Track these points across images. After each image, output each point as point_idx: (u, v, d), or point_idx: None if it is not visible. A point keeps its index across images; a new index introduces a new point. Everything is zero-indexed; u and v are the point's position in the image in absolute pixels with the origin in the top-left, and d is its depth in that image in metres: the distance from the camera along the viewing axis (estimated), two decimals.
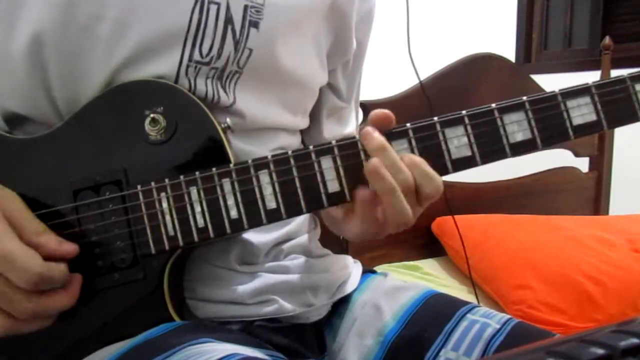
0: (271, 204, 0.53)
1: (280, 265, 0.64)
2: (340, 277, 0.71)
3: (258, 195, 0.53)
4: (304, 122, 0.70)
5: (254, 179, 0.53)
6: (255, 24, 0.59)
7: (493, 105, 0.54)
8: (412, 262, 1.38)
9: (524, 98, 0.54)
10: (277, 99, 0.63)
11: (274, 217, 0.53)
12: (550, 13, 2.66)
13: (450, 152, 0.53)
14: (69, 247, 0.51)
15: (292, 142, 0.68)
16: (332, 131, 0.74)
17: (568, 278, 1.18)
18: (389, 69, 1.72)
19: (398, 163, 0.51)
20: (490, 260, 1.27)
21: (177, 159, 0.55)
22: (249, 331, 0.60)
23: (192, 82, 0.57)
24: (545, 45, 2.67)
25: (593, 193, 1.63)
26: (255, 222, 0.53)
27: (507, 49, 2.58)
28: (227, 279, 0.60)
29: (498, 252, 1.28)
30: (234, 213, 0.53)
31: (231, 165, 0.54)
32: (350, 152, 0.53)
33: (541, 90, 1.63)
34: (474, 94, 1.47)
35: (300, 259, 0.66)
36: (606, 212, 1.65)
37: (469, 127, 0.53)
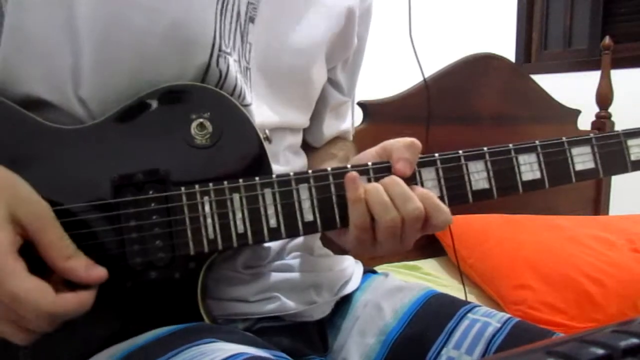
0: (308, 217, 0.55)
1: (283, 264, 0.64)
2: (343, 276, 0.71)
3: (297, 208, 0.55)
4: (308, 120, 0.71)
5: (294, 192, 0.55)
6: (252, 19, 0.61)
7: (510, 145, 0.59)
8: (412, 262, 1.38)
9: (537, 142, 0.59)
10: (284, 97, 0.64)
11: (310, 229, 0.56)
12: (550, 13, 2.65)
13: (471, 183, 0.58)
14: (97, 273, 0.48)
15: (295, 142, 0.69)
16: (331, 127, 0.75)
17: (568, 278, 1.18)
18: (390, 69, 1.72)
19: (408, 193, 0.54)
20: (490, 260, 1.27)
21: (218, 165, 0.55)
22: (253, 331, 0.61)
23: (223, 73, 0.57)
24: (545, 45, 2.67)
25: (593, 193, 1.63)
26: (292, 233, 0.55)
27: (507, 49, 2.58)
28: (232, 278, 0.61)
29: (498, 252, 1.28)
30: (273, 222, 0.55)
31: (274, 176, 0.55)
32: (383, 175, 0.56)
33: (541, 90, 1.63)
34: (474, 94, 1.47)
35: (303, 257, 0.66)
36: (606, 212, 1.65)
37: (488, 163, 0.58)
